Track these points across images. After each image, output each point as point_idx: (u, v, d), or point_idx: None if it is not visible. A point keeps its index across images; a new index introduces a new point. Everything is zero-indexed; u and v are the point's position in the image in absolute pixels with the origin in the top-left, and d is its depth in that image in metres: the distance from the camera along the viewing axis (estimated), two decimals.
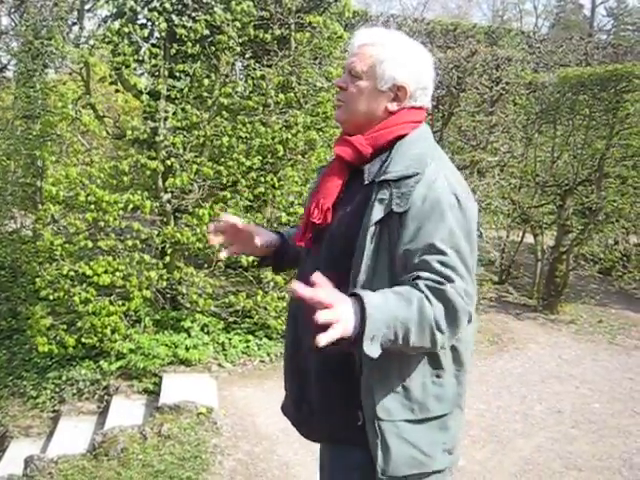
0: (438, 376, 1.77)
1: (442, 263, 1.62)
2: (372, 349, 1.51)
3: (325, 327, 1.43)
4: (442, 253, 1.63)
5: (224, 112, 5.45)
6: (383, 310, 1.52)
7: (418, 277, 1.61)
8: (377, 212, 1.70)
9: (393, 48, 1.83)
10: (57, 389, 4.99)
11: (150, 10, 5.18)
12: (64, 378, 5.02)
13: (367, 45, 1.85)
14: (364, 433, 1.74)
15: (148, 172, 5.27)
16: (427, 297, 1.57)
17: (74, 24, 5.76)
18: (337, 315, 1.46)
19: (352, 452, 1.80)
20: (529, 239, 8.50)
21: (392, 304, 1.54)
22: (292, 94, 5.61)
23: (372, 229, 1.70)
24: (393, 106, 1.84)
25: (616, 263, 8.55)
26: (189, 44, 5.15)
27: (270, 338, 5.76)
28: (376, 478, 1.73)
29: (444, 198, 1.68)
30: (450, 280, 1.60)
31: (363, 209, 1.75)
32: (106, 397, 4.96)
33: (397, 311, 1.54)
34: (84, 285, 5.01)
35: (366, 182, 1.79)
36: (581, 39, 14.57)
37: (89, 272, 4.97)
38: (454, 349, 1.77)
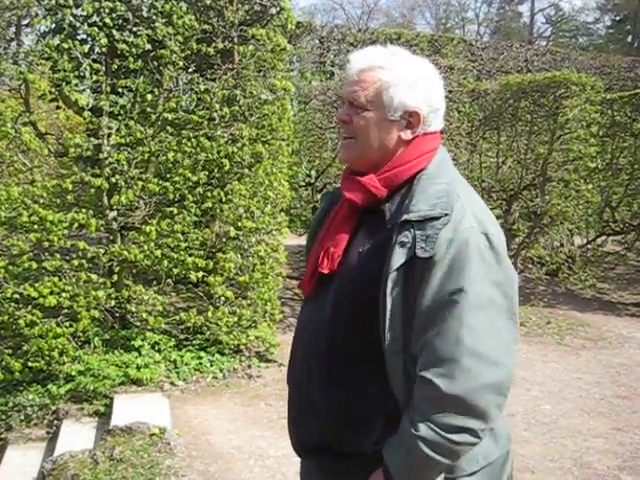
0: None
1: (442, 375, 1.48)
2: None
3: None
4: (451, 360, 1.47)
5: (169, 127, 5.39)
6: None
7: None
8: (398, 257, 1.52)
9: (399, 70, 1.63)
10: (3, 416, 4.80)
11: (90, 25, 5.09)
12: (10, 404, 4.84)
13: (368, 70, 1.64)
14: None
15: (92, 190, 5.18)
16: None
17: (12, 40, 5.63)
18: None
19: None
20: None
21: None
22: (237, 107, 5.58)
23: (393, 276, 1.52)
24: (407, 134, 1.66)
25: (562, 265, 8.76)
26: (131, 59, 5.07)
27: (222, 354, 5.71)
28: None
29: (472, 239, 1.51)
30: (426, 416, 1.49)
31: (381, 252, 1.57)
32: (55, 422, 4.82)
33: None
34: (29, 307, 4.87)
35: (388, 225, 1.59)
36: (521, 46, 14.94)
37: (34, 294, 4.83)
38: None
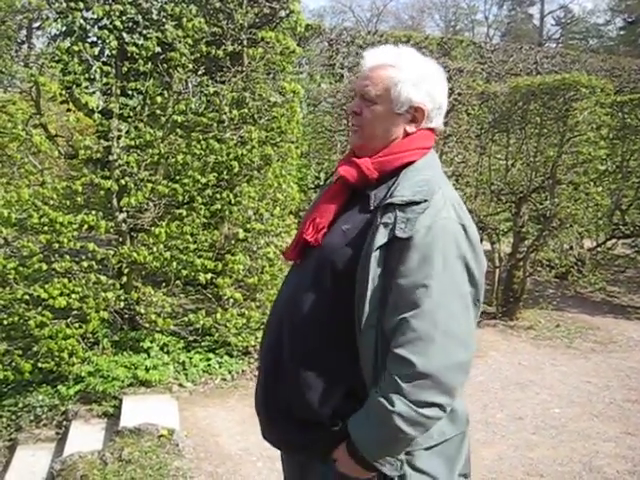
0: None
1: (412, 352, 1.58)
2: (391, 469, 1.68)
3: None
4: (415, 331, 1.59)
5: (178, 129, 5.41)
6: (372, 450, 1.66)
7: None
8: (381, 236, 1.65)
9: (407, 68, 1.78)
10: (13, 417, 4.84)
11: (100, 28, 5.13)
12: (20, 405, 4.88)
13: (379, 67, 1.80)
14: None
15: (102, 192, 5.21)
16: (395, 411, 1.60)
17: (23, 43, 5.66)
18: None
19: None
20: (486, 246, 8.61)
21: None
22: (246, 110, 5.59)
23: (376, 254, 1.64)
24: (411, 128, 1.81)
25: (571, 268, 8.72)
26: (141, 62, 5.10)
27: (231, 355, 5.72)
28: None
29: (450, 227, 1.65)
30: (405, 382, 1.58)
31: (363, 233, 1.70)
32: (65, 423, 4.84)
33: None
34: (39, 308, 4.90)
35: (372, 208, 1.73)
36: (531, 48, 14.89)
37: (44, 295, 4.86)
38: None
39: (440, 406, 1.60)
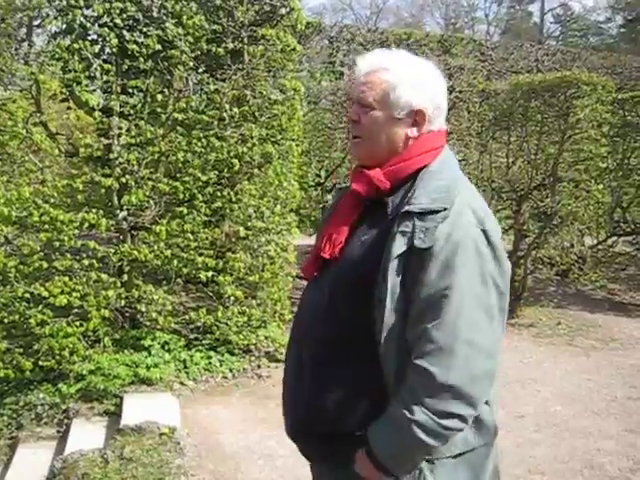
0: None
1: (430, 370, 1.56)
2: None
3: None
4: (438, 352, 1.56)
5: (179, 127, 5.40)
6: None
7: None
8: (398, 245, 1.59)
9: (403, 71, 1.72)
10: (14, 415, 4.83)
11: (100, 26, 5.11)
12: (21, 403, 4.86)
13: (375, 72, 1.73)
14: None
15: (103, 190, 5.19)
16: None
17: (23, 40, 5.65)
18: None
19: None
20: None
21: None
22: (247, 107, 5.59)
23: (394, 263, 1.59)
24: (413, 132, 1.73)
25: (572, 265, 8.71)
26: (141, 59, 5.09)
27: (232, 354, 5.71)
28: None
29: (470, 234, 1.59)
30: (422, 400, 1.56)
31: (382, 242, 1.63)
32: (66, 421, 4.82)
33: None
34: (40, 307, 4.88)
35: (390, 216, 1.66)
36: (531, 46, 14.88)
37: (45, 293, 4.84)
38: None
39: (460, 417, 1.57)
